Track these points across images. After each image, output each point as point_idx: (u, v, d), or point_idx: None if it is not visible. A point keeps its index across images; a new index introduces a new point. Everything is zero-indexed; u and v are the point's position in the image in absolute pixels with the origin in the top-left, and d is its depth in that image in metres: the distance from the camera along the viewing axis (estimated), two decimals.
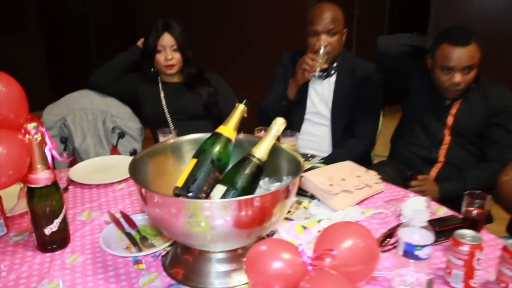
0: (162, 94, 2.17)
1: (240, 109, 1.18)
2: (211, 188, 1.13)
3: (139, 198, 1.03)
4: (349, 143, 2.12)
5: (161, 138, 1.66)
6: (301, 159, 1.09)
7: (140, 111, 2.25)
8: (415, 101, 1.97)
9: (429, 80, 1.86)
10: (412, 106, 1.99)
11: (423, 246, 0.96)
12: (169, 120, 2.14)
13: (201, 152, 1.15)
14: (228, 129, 1.17)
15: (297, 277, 0.87)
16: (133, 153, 2.22)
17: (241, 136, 1.24)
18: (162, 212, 0.97)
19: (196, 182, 1.11)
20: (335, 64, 2.11)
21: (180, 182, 1.13)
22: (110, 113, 2.21)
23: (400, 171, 1.89)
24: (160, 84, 2.19)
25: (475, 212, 1.15)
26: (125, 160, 1.80)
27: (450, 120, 1.85)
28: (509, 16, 3.07)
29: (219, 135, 1.16)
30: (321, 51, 1.94)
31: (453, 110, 1.84)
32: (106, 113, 2.20)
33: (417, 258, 0.97)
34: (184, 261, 1.11)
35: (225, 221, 0.95)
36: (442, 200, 1.59)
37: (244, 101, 1.18)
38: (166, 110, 2.15)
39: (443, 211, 1.35)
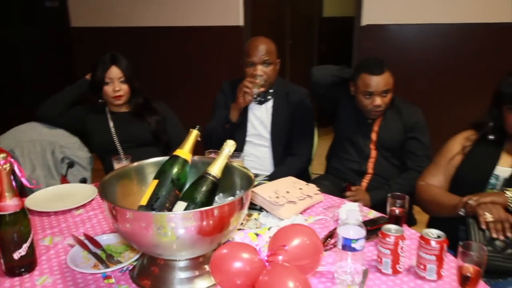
0: (111, 124, 2.26)
1: (194, 134, 1.33)
2: (173, 205, 1.26)
3: (109, 216, 1.14)
4: (289, 161, 2.33)
5: (116, 165, 1.75)
6: (251, 174, 1.26)
7: (89, 141, 2.32)
8: (344, 122, 2.22)
9: (354, 103, 2.12)
10: (342, 127, 2.24)
11: (357, 239, 1.15)
12: (119, 148, 2.22)
13: (161, 173, 1.28)
14: (184, 152, 1.31)
15: (256, 273, 1.02)
16: (83, 181, 2.26)
17: (196, 158, 1.38)
18: (133, 226, 1.09)
19: (159, 200, 1.24)
20: (271, 91, 2.33)
21: (144, 201, 1.24)
22: (59, 143, 2.25)
23: (335, 184, 2.11)
24: (108, 114, 2.28)
25: (397, 210, 1.37)
26: (79, 187, 1.87)
27: (374, 136, 2.11)
28: (419, 45, 3.52)
29: (177, 157, 1.30)
30: (259, 74, 2.16)
31: (375, 127, 2.11)
32: (55, 144, 2.25)
33: (354, 250, 1.16)
34: (151, 272, 1.22)
35: (189, 230, 1.08)
36: (373, 206, 1.82)
37: (197, 127, 1.33)
38: (116, 138, 2.23)
39: (373, 214, 1.57)
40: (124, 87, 2.21)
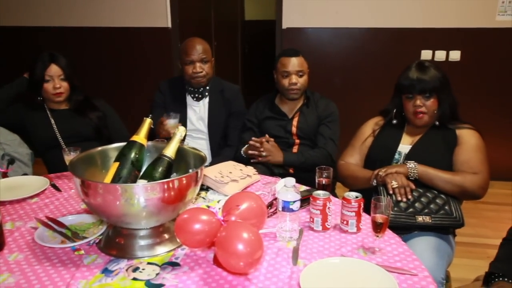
0: (52, 121, 2.32)
1: (147, 122, 1.51)
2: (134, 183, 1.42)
3: (79, 192, 1.28)
4: (225, 151, 2.55)
5: (66, 157, 1.85)
6: (203, 154, 1.47)
7: (29, 137, 2.35)
8: (267, 122, 2.50)
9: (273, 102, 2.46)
10: (267, 127, 2.51)
11: (294, 201, 1.41)
12: (62, 143, 2.29)
13: (121, 156, 1.44)
14: (140, 137, 1.48)
15: (214, 231, 1.23)
16: None
17: (150, 143, 1.55)
18: (103, 199, 1.24)
19: (121, 180, 1.40)
20: (207, 88, 2.54)
21: (107, 181, 1.40)
22: None
23: (268, 167, 2.37)
24: (48, 112, 2.34)
25: (324, 180, 1.65)
26: (28, 179, 1.93)
27: (294, 130, 2.43)
28: (333, 46, 3.93)
29: (134, 142, 1.47)
30: (172, 119, 2.30)
31: (294, 123, 2.42)
32: None
33: (291, 210, 1.41)
34: (117, 242, 1.37)
35: (154, 200, 1.26)
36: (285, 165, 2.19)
37: (150, 116, 1.51)
38: (58, 135, 2.30)
39: (304, 188, 1.85)
40: (64, 85, 2.29)
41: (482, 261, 2.50)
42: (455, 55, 3.73)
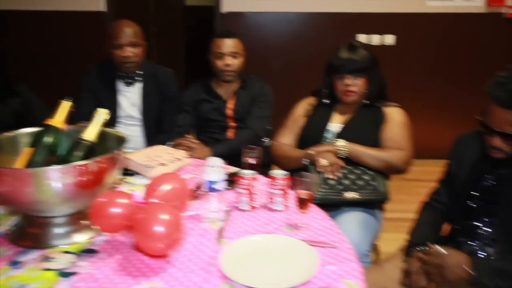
0: None
1: (65, 105, 1.42)
2: None
3: None
4: (160, 137, 2.48)
5: None
6: (123, 135, 1.41)
7: None
8: (203, 106, 2.46)
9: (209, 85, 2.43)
10: (204, 110, 2.46)
11: (218, 181, 1.38)
12: None
13: (36, 141, 1.36)
14: (56, 121, 1.40)
15: (133, 214, 1.18)
16: None
17: (72, 127, 1.47)
18: (14, 186, 1.16)
19: (34, 166, 1.32)
20: (140, 72, 2.45)
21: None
22: None
23: None
24: None
25: (252, 160, 1.64)
26: None
27: (229, 112, 2.39)
28: (272, 31, 3.93)
29: (49, 126, 1.39)
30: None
31: (230, 105, 2.39)
32: None
33: (216, 190, 1.39)
34: (30, 232, 1.29)
35: (69, 185, 1.19)
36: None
37: (67, 98, 1.43)
38: None
39: (234, 169, 1.83)
40: None
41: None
42: (390, 39, 3.84)
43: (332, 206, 1.81)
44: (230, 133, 2.43)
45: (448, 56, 3.88)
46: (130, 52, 2.32)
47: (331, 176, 1.78)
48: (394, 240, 2.60)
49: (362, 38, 3.83)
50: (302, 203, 1.36)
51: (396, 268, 1.50)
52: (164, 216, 1.14)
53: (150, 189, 1.27)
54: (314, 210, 1.49)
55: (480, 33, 3.79)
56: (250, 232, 1.35)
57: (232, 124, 2.42)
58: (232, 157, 1.96)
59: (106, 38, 2.39)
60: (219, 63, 2.33)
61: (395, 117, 1.93)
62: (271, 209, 1.49)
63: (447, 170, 1.63)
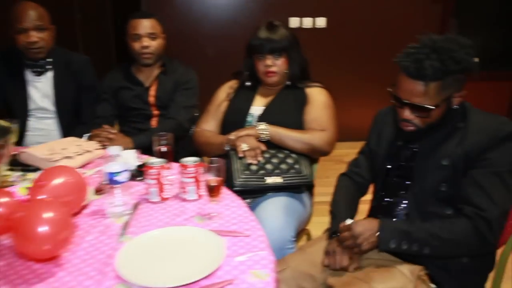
0: None
1: None
2: None
3: None
4: (78, 130, 2.30)
5: None
6: (7, 124, 1.25)
7: None
8: (123, 93, 2.30)
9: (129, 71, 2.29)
10: (125, 97, 2.31)
11: (120, 172, 1.26)
12: None
13: None
14: None
15: (12, 213, 1.04)
16: None
17: None
18: None
19: None
20: (50, 60, 2.25)
21: None
22: None
23: None
24: None
25: (164, 148, 1.53)
26: None
27: (152, 100, 2.26)
28: (205, 17, 3.80)
29: None
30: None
31: (152, 92, 2.26)
32: None
33: (118, 182, 1.26)
34: None
35: None
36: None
37: None
38: None
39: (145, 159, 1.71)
40: None
41: None
42: (321, 22, 3.81)
43: (256, 192, 1.74)
44: (154, 122, 2.29)
45: (379, 38, 3.91)
46: (35, 37, 2.12)
47: (252, 161, 1.70)
48: (325, 224, 2.59)
49: (294, 21, 3.79)
50: (212, 190, 1.27)
51: (320, 252, 1.45)
52: (48, 214, 1.01)
53: (37, 185, 1.13)
54: (229, 197, 1.40)
55: (409, 13, 3.84)
56: (157, 226, 1.25)
57: (156, 112, 2.28)
58: None
59: (9, 22, 2.17)
60: (136, 46, 2.18)
61: (317, 97, 1.88)
62: (183, 199, 1.39)
63: (367, 145, 1.60)
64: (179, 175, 1.40)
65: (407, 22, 3.82)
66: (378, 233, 1.26)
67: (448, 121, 1.31)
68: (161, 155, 1.51)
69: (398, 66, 1.26)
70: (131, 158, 1.55)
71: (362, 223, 1.31)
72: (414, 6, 3.85)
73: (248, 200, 1.77)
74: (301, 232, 1.84)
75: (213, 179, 1.26)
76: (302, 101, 1.88)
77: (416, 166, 1.37)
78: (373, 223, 1.29)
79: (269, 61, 1.84)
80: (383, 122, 1.52)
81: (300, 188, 1.79)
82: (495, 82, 4.02)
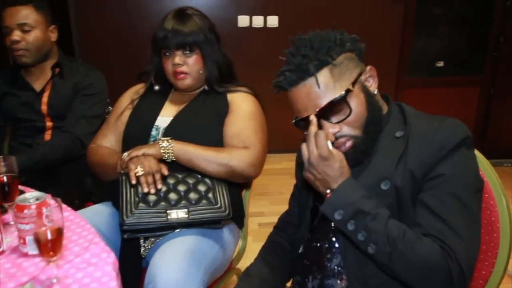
0: None
1: None
2: None
3: None
4: None
5: None
6: None
7: None
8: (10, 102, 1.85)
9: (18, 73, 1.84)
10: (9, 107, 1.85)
11: None
12: None
13: None
14: None
15: None
16: None
17: None
18: None
19: None
20: None
21: None
22: None
23: None
24: None
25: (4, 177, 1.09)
26: None
27: (44, 108, 1.81)
28: (149, 19, 3.37)
29: None
30: None
31: (45, 98, 1.81)
32: None
33: None
34: None
35: None
36: None
37: None
38: None
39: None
40: None
41: None
42: (273, 21, 3.44)
43: (158, 229, 1.32)
44: (48, 136, 1.84)
45: None
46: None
47: (149, 190, 1.28)
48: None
49: (244, 20, 3.41)
50: (44, 245, 0.84)
51: None
52: None
53: None
54: (93, 249, 0.98)
55: (365, 14, 3.52)
56: None
57: (50, 123, 1.83)
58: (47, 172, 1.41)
59: None
60: (8, 41, 1.74)
61: (240, 106, 1.47)
62: (24, 254, 0.96)
63: (295, 185, 1.23)
64: (15, 219, 0.97)
65: (367, 22, 3.49)
66: (330, 192, 0.91)
67: (380, 127, 0.98)
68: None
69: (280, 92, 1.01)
70: None
71: (343, 159, 0.93)
72: (374, 6, 3.52)
73: (152, 239, 1.36)
74: (218, 280, 1.43)
75: (46, 228, 0.84)
76: (222, 110, 1.47)
77: None
78: (345, 171, 0.92)
79: (177, 58, 1.43)
80: None
81: (218, 222, 1.37)
82: (462, 89, 3.74)
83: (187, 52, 1.44)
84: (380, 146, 0.97)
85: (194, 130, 1.43)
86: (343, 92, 0.93)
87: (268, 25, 3.43)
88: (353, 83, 0.95)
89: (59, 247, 0.85)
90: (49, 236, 0.83)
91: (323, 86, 0.93)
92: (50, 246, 0.83)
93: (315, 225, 1.07)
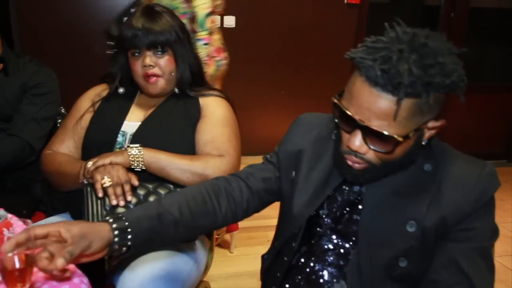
0: None
1: None
2: None
3: None
4: None
5: None
6: None
7: None
8: None
9: None
10: None
11: None
12: None
13: None
14: None
15: None
16: None
17: None
18: None
19: None
20: None
21: None
22: None
23: None
24: None
25: None
26: None
27: None
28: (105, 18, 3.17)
29: None
30: None
31: None
32: None
33: None
34: None
35: None
36: None
37: None
38: None
39: None
40: None
41: (261, 247, 2.25)
42: (230, 21, 3.38)
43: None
44: None
45: (294, 40, 3.58)
46: None
47: (118, 202, 1.17)
48: (243, 257, 2.19)
49: None
50: (11, 276, 0.72)
51: None
52: None
53: None
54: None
55: (321, 18, 3.55)
56: None
57: None
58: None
59: None
60: None
61: (214, 111, 1.39)
62: None
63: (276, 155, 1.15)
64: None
65: (323, 25, 3.53)
66: None
67: (409, 163, 0.89)
68: None
69: (354, 65, 0.81)
70: None
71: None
72: (329, 9, 3.56)
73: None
74: None
75: (13, 254, 0.72)
76: (194, 115, 1.39)
77: (361, 223, 0.93)
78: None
79: (148, 59, 1.33)
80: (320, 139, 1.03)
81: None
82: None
83: (159, 52, 1.34)
84: (406, 177, 0.89)
85: (164, 136, 1.33)
86: (401, 138, 0.80)
87: (225, 26, 3.36)
88: (418, 130, 0.82)
89: (26, 276, 0.73)
90: (17, 265, 0.71)
91: (396, 112, 0.78)
92: (18, 275, 0.72)
93: (309, 240, 1.01)
